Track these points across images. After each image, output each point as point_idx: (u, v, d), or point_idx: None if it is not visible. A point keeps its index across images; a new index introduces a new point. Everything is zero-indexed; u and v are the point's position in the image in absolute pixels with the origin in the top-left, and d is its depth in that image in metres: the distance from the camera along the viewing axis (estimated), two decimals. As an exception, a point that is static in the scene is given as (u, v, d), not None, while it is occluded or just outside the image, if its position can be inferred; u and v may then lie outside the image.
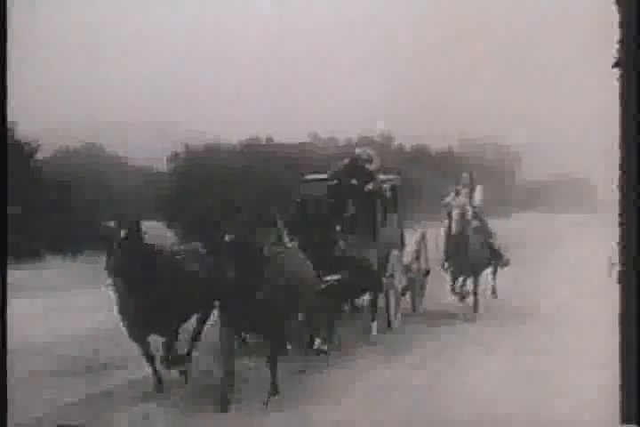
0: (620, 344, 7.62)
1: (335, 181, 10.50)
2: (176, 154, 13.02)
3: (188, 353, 8.58)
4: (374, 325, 10.08)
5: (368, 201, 10.46)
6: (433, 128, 12.24)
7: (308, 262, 8.74)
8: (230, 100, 11.40)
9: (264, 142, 13.37)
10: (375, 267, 10.22)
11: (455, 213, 10.78)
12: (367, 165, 10.51)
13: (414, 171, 13.11)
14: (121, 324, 8.10)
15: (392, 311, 10.47)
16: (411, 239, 11.40)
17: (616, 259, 7.72)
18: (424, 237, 11.61)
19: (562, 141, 12.90)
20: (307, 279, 8.50)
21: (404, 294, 11.01)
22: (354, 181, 10.41)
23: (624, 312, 7.64)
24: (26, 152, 11.52)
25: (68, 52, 10.70)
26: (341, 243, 9.79)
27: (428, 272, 11.57)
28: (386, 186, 10.84)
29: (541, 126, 12.92)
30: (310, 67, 11.45)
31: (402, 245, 11.21)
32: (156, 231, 8.74)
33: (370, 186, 10.42)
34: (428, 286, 11.57)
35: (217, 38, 10.97)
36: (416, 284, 11.39)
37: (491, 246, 11.24)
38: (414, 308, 11.34)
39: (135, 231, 7.89)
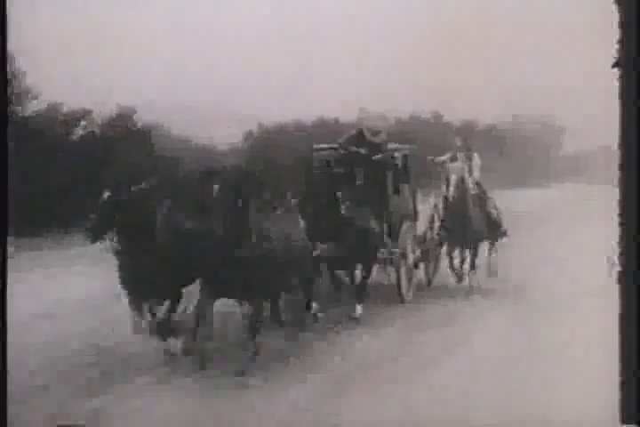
0: (619, 344, 7.62)
1: (343, 151, 10.54)
2: (249, 133, 13.15)
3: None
4: (359, 306, 9.93)
5: (377, 171, 10.46)
6: (479, 104, 12.23)
7: (300, 229, 8.82)
8: (298, 81, 11.47)
9: (332, 122, 13.42)
10: (376, 237, 10.20)
11: (453, 177, 10.62)
12: (372, 137, 10.52)
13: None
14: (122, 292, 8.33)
15: (404, 285, 10.41)
16: (425, 210, 11.33)
17: (616, 259, 7.72)
18: (437, 207, 11.41)
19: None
20: (296, 245, 8.61)
21: (416, 267, 10.94)
22: (363, 151, 10.43)
23: (624, 312, 7.64)
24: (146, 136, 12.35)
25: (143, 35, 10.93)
26: (344, 209, 9.76)
27: (441, 243, 11.36)
28: (397, 155, 10.81)
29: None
30: (360, 49, 11.45)
31: (415, 215, 11.14)
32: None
33: (379, 155, 10.43)
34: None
35: (282, 21, 11.00)
36: (430, 255, 11.33)
37: (489, 216, 11.06)
38: (429, 281, 11.27)
39: (132, 193, 8.07)
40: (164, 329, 8.43)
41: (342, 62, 11.50)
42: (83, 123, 11.93)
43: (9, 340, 8.10)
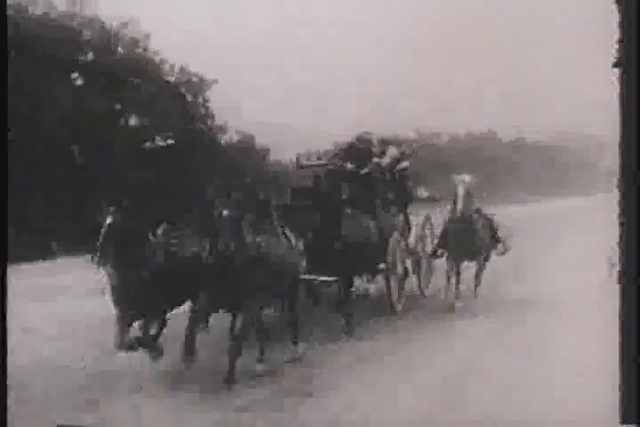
0: (619, 344, 7.62)
1: (330, 166, 10.59)
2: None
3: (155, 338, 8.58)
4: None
5: (365, 184, 10.51)
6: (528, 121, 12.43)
7: (293, 250, 8.83)
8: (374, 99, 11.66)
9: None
10: (371, 251, 10.21)
11: (461, 190, 10.58)
12: (363, 151, 10.61)
13: (514, 159, 13.60)
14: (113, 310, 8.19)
15: (394, 296, 10.44)
16: (416, 221, 11.35)
17: (616, 259, 7.72)
18: (429, 220, 11.50)
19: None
20: (290, 266, 8.63)
21: (406, 277, 10.86)
22: (349, 165, 10.50)
23: (624, 312, 7.64)
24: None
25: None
26: (342, 228, 9.79)
27: (435, 253, 11.22)
28: (383, 168, 10.84)
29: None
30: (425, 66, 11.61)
31: (408, 227, 11.16)
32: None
33: (366, 169, 10.49)
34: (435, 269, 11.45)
35: (365, 39, 11.18)
36: (422, 266, 11.34)
37: (492, 229, 11.07)
38: (421, 291, 11.28)
39: (125, 214, 7.98)
40: (152, 346, 8.32)
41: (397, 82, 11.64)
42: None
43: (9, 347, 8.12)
